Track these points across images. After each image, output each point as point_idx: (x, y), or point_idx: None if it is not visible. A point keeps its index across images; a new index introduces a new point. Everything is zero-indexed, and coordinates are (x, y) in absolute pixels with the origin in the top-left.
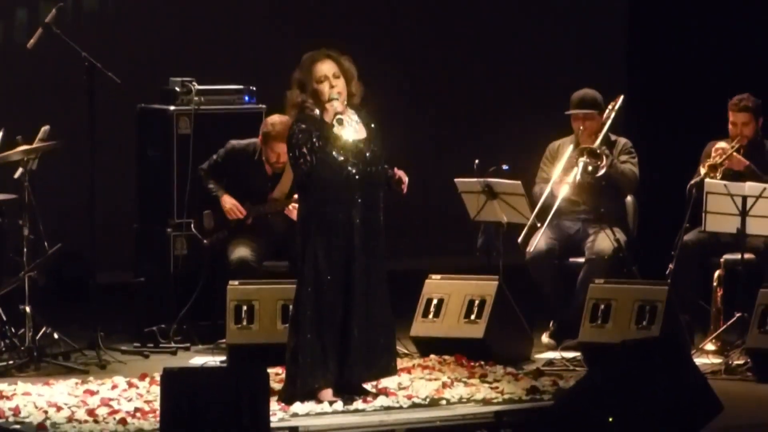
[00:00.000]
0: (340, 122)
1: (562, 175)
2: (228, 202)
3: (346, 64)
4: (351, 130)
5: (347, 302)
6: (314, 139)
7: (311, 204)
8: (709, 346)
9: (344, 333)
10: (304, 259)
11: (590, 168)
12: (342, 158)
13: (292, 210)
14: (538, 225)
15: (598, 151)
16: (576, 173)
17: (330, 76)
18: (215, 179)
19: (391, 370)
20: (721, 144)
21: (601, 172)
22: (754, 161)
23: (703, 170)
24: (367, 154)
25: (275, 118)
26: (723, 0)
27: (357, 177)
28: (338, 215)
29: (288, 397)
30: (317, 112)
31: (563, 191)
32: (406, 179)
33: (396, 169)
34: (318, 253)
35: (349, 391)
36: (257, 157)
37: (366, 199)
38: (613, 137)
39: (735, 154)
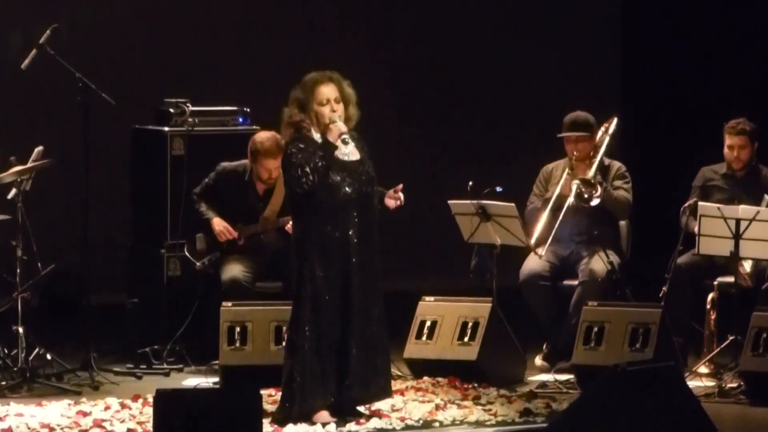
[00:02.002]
0: (345, 142)
1: (557, 201)
2: (218, 224)
3: (348, 89)
4: (350, 151)
5: (345, 322)
6: (316, 159)
7: (308, 224)
8: (703, 369)
9: (342, 353)
10: (302, 278)
11: (585, 196)
12: (338, 178)
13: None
14: (536, 251)
15: (593, 180)
16: (570, 199)
17: (332, 99)
18: (207, 203)
19: (388, 392)
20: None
21: (595, 201)
22: (749, 186)
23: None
24: (363, 176)
25: (263, 135)
26: (718, 23)
27: (354, 196)
28: (335, 234)
29: (284, 418)
30: (313, 133)
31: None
32: (401, 201)
33: (400, 187)
34: (316, 273)
35: (344, 413)
36: (248, 177)
37: (362, 218)
38: (607, 161)
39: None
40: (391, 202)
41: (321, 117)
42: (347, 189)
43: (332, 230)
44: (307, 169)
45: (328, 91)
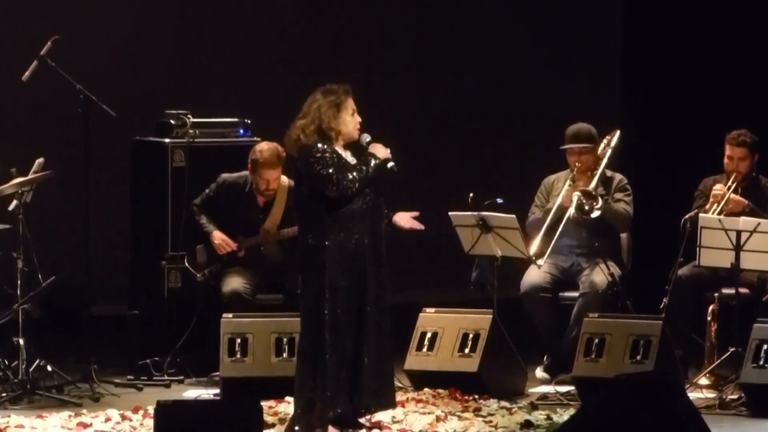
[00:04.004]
0: (393, 170)
1: (557, 212)
2: (217, 237)
3: None
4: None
5: (359, 331)
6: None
7: (324, 232)
8: (703, 381)
9: (355, 362)
10: (321, 287)
11: (586, 208)
12: None
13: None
14: (535, 262)
15: (594, 192)
16: (570, 211)
17: (355, 111)
18: (207, 214)
19: (393, 403)
20: (717, 187)
21: (595, 214)
22: (751, 198)
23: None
24: (374, 186)
25: (263, 146)
26: (718, 34)
27: (370, 205)
28: (351, 243)
29: (302, 427)
30: (335, 145)
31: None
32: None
33: (416, 214)
34: (337, 281)
35: (348, 425)
36: (248, 189)
37: (374, 228)
38: (608, 173)
39: (733, 196)
40: (405, 223)
41: (347, 126)
42: (366, 198)
43: (349, 238)
44: (354, 175)
45: (353, 103)
